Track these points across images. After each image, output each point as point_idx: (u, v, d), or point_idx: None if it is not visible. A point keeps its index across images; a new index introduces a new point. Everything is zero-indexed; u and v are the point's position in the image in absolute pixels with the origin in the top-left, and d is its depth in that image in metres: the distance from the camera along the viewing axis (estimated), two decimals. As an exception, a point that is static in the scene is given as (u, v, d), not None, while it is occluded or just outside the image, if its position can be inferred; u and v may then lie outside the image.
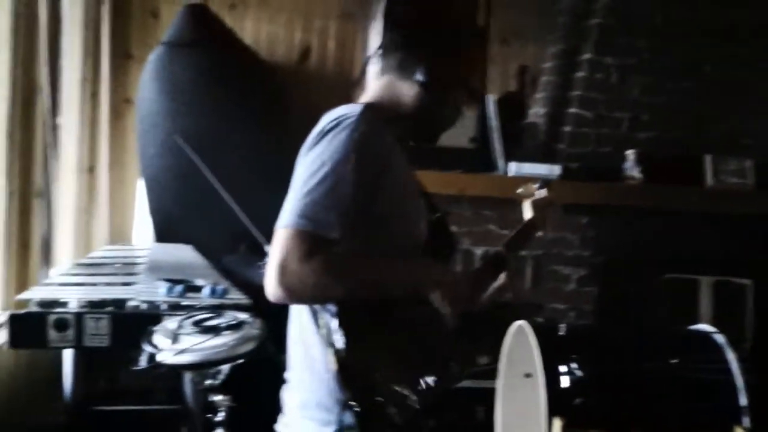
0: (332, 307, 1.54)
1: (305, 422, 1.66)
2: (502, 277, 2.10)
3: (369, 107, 1.67)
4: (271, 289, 1.48)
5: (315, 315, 1.62)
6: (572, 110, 4.06)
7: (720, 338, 2.52)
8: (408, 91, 1.71)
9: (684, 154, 4.02)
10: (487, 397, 2.84)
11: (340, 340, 1.51)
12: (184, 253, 3.59)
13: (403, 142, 1.75)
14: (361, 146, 1.57)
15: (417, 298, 1.59)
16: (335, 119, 1.60)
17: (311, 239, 1.48)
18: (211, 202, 3.80)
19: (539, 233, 2.29)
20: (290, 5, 4.55)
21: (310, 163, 1.57)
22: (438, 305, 1.58)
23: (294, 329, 1.72)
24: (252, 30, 4.52)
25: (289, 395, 1.72)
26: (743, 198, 3.96)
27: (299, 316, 1.68)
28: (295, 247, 1.47)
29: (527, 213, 2.26)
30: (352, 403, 1.50)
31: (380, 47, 1.76)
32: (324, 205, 1.51)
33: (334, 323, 1.52)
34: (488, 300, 2.01)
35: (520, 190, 2.35)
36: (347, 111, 1.62)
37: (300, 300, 1.53)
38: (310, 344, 1.63)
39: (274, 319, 2.62)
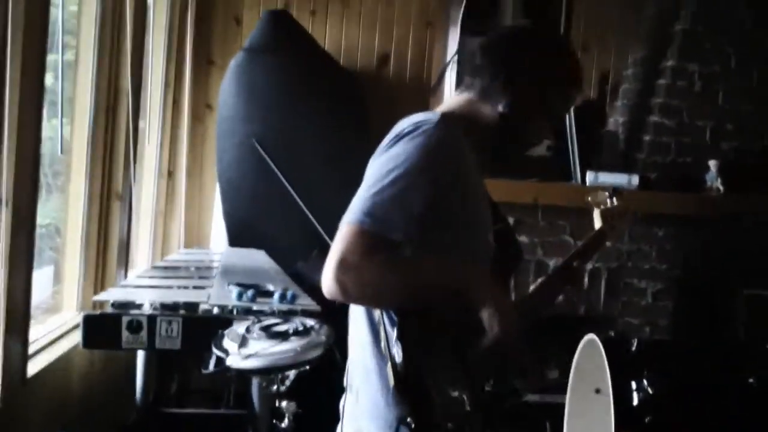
0: (393, 317, 1.53)
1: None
2: (569, 290, 2.06)
3: (448, 116, 1.66)
4: (327, 283, 1.46)
5: (374, 325, 1.61)
6: (653, 118, 3.97)
7: (800, 358, 2.43)
8: (487, 114, 1.70)
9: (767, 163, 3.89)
10: (555, 412, 2.80)
11: (399, 353, 1.49)
12: (256, 258, 3.64)
13: (478, 153, 1.73)
14: (436, 153, 1.56)
15: (470, 310, 1.55)
16: (413, 124, 1.60)
17: (374, 238, 1.47)
18: (285, 208, 3.86)
19: (609, 244, 2.23)
20: (370, 12, 4.57)
21: (384, 164, 1.56)
22: (486, 323, 1.54)
23: (354, 338, 1.71)
24: (332, 36, 4.56)
25: (349, 407, 1.71)
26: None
27: (359, 324, 1.67)
28: (356, 244, 1.45)
29: (597, 222, 2.20)
30: (409, 420, 1.48)
31: (469, 66, 1.74)
32: (391, 207, 1.50)
33: (394, 335, 1.51)
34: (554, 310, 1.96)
35: (589, 198, 2.29)
36: (425, 117, 1.61)
37: (354, 298, 1.52)
38: (369, 355, 1.62)
39: (343, 325, 2.64)
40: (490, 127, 1.69)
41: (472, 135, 1.68)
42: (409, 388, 1.48)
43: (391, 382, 1.48)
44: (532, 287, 2.13)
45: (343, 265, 1.45)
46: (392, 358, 1.49)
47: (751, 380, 2.29)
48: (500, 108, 1.66)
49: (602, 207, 2.21)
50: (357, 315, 1.68)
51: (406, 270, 1.52)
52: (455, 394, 1.53)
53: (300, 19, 4.34)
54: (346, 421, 1.69)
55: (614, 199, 2.22)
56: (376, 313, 1.58)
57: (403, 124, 1.61)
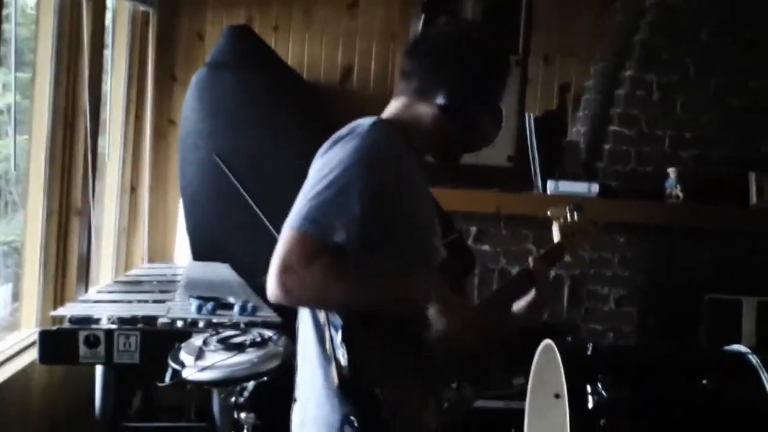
0: (337, 321, 1.54)
1: None
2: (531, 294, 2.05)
3: (385, 120, 1.69)
4: (271, 288, 1.49)
5: (319, 328, 1.62)
6: (613, 128, 4.01)
7: (754, 359, 2.46)
8: (426, 113, 1.70)
9: (728, 172, 3.93)
10: (521, 418, 2.81)
11: (344, 355, 1.50)
12: (220, 271, 3.63)
13: (422, 159, 1.75)
14: (371, 154, 1.57)
15: (418, 314, 1.57)
16: (349, 128, 1.62)
17: (315, 242, 1.49)
18: (248, 221, 3.85)
19: (568, 259, 2.23)
20: (333, 26, 4.59)
21: (320, 168, 1.58)
22: (434, 323, 1.55)
23: (301, 344, 1.71)
24: (294, 51, 4.57)
25: (295, 413, 1.71)
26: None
27: (305, 328, 1.68)
28: (297, 248, 1.48)
29: (556, 236, 2.21)
30: (352, 418, 1.49)
31: (402, 73, 1.76)
32: (330, 210, 1.52)
33: (338, 337, 1.52)
34: (522, 319, 1.94)
35: (550, 212, 2.30)
36: (361, 121, 1.64)
37: (298, 302, 1.54)
38: (315, 358, 1.63)
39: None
40: (432, 127, 1.70)
41: (413, 140, 1.69)
42: (353, 388, 1.49)
43: (335, 382, 1.49)
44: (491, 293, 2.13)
45: (284, 268, 1.47)
46: (336, 360, 1.50)
47: (704, 382, 2.32)
48: (438, 101, 1.67)
49: (562, 221, 2.21)
50: (303, 318, 1.69)
51: (347, 273, 1.53)
52: (404, 393, 1.54)
53: (263, 34, 4.35)
54: (294, 429, 1.69)
55: (575, 214, 2.22)
56: (321, 315, 1.59)
57: (342, 129, 1.64)
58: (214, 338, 2.51)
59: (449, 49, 1.72)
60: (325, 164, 1.57)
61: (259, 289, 3.40)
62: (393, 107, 1.75)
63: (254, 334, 2.56)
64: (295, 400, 1.72)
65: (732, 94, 3.98)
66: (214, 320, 2.78)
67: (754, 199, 3.90)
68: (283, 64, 4.29)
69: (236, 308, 2.86)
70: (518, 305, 1.84)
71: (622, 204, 3.81)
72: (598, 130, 4.15)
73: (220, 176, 3.93)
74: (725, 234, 3.85)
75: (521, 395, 2.89)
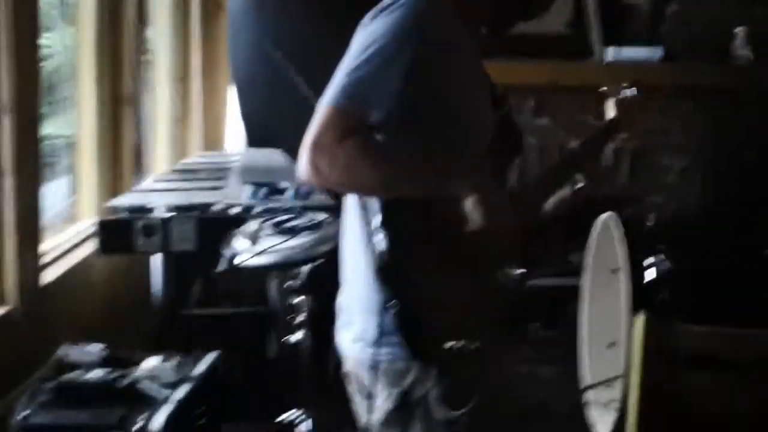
0: (375, 205, 1.48)
1: (353, 326, 1.63)
2: (577, 180, 1.98)
3: None
4: (302, 166, 1.41)
5: (360, 212, 1.57)
6: (678, -12, 3.78)
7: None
8: None
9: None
10: (578, 295, 2.77)
11: (382, 240, 1.46)
12: (273, 158, 3.60)
13: (475, 29, 1.65)
14: (414, 26, 1.47)
15: (456, 203, 1.50)
16: None
17: (349, 118, 1.41)
18: (301, 107, 3.78)
19: (623, 135, 2.13)
20: None
21: (361, 41, 1.48)
22: (469, 212, 1.49)
23: (345, 227, 1.68)
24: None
25: (340, 298, 1.70)
26: None
27: (349, 213, 1.64)
28: (331, 126, 1.40)
29: (610, 112, 2.10)
30: (392, 302, 1.46)
31: None
32: (368, 86, 1.43)
33: (378, 219, 1.47)
34: (558, 207, 1.88)
35: (604, 89, 2.19)
36: None
37: (327, 181, 1.46)
38: (356, 242, 1.59)
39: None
40: None
41: (465, 8, 1.59)
42: (391, 273, 1.45)
43: (375, 265, 1.46)
44: (535, 180, 2.06)
45: (316, 147, 1.39)
46: (375, 244, 1.46)
47: (767, 252, 2.24)
48: None
49: (617, 97, 2.10)
50: (349, 203, 1.64)
51: (380, 157, 1.45)
52: (445, 279, 1.51)
53: None
54: (342, 313, 1.68)
55: (633, 89, 2.11)
56: (364, 198, 1.55)
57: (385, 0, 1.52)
58: (269, 223, 2.51)
59: None
60: (366, 37, 1.47)
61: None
62: None
63: (308, 217, 2.54)
64: (341, 282, 1.70)
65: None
66: (269, 205, 2.78)
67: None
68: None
69: (290, 192, 2.86)
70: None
71: (686, 67, 3.62)
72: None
73: (271, 61, 3.86)
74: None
75: (579, 272, 2.85)
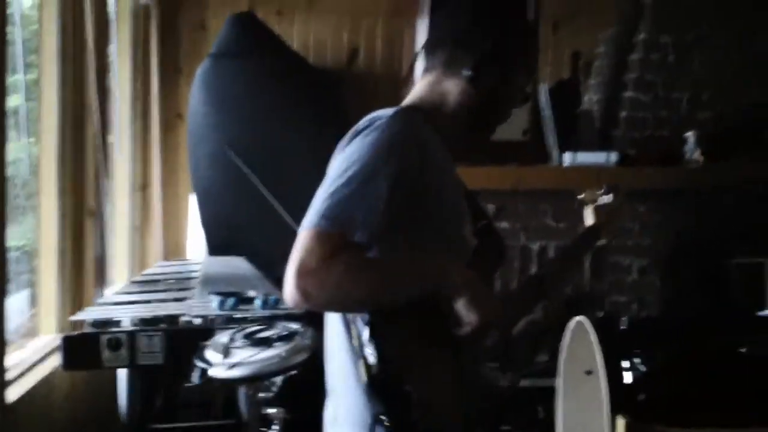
0: (364, 317, 1.48)
1: None
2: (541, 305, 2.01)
3: (406, 108, 1.62)
4: (289, 291, 1.40)
5: (347, 324, 1.56)
6: (628, 94, 3.93)
7: (792, 324, 2.41)
8: (454, 88, 1.64)
9: (747, 128, 3.85)
10: (546, 396, 2.77)
11: (372, 352, 1.44)
12: (236, 265, 3.59)
13: (450, 142, 1.68)
14: (391, 146, 1.50)
15: (446, 306, 1.50)
16: (368, 120, 1.55)
17: (333, 241, 1.41)
18: (264, 213, 3.80)
19: (602, 242, 2.18)
20: (336, 7, 4.52)
21: (339, 164, 1.50)
22: (462, 314, 1.49)
23: (329, 340, 1.66)
24: (300, 35, 4.50)
25: (327, 411, 1.67)
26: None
27: (333, 324, 1.63)
28: (314, 248, 1.39)
29: (588, 219, 2.15)
30: (383, 417, 1.44)
31: (426, 43, 1.69)
32: (349, 206, 1.44)
33: (366, 333, 1.46)
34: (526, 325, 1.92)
35: (582, 196, 2.24)
36: (381, 113, 1.57)
37: (317, 304, 1.46)
38: (345, 356, 1.58)
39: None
40: (460, 102, 1.64)
41: (439, 120, 1.63)
42: (383, 386, 1.43)
43: (364, 379, 1.44)
44: (517, 287, 2.08)
45: (302, 271, 1.39)
46: (365, 357, 1.44)
47: (743, 350, 2.27)
48: (465, 72, 1.62)
49: (596, 203, 2.15)
50: (331, 314, 1.63)
51: (369, 271, 1.45)
52: (436, 388, 1.49)
53: (266, 20, 4.29)
54: (328, 426, 1.65)
55: (609, 196, 2.17)
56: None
57: (361, 121, 1.57)
58: (240, 334, 2.47)
59: (476, 15, 1.65)
60: (344, 160, 1.50)
61: (278, 282, 3.37)
62: (419, 87, 1.68)
63: (280, 327, 2.51)
64: (328, 394, 1.67)
65: (748, 52, 3.89)
66: (237, 315, 2.74)
67: (776, 155, 3.83)
68: (289, 50, 4.23)
69: (258, 302, 2.82)
70: None
71: (641, 171, 3.74)
72: (612, 98, 4.07)
73: (232, 168, 3.88)
74: (747, 194, 3.78)
75: (545, 372, 2.85)
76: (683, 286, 3.80)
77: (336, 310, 1.55)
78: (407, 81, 4.26)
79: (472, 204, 1.74)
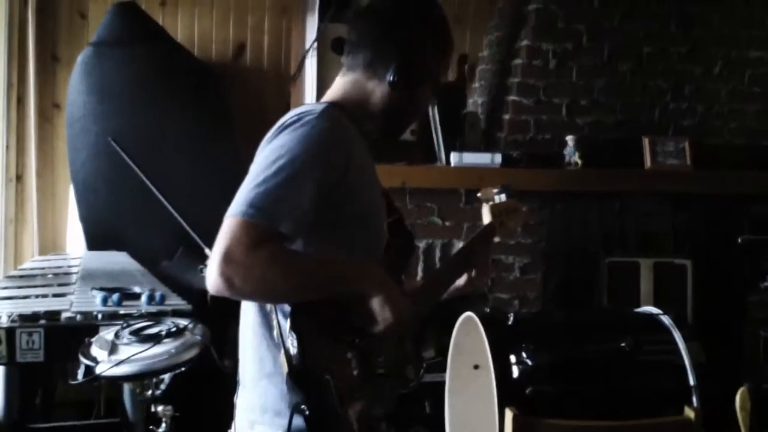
0: (285, 308, 1.49)
1: (256, 428, 1.61)
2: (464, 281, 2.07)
3: (333, 105, 1.65)
4: (212, 279, 1.41)
5: (267, 315, 1.57)
6: (511, 98, 4.05)
7: (666, 320, 2.54)
8: (376, 89, 1.68)
9: (623, 136, 4.04)
10: (434, 391, 2.82)
11: (293, 344, 1.45)
12: (119, 260, 3.49)
13: (368, 137, 1.71)
14: (320, 142, 1.53)
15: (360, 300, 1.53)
16: (297, 114, 1.58)
17: (260, 230, 1.43)
18: (146, 206, 3.72)
19: (497, 239, 2.25)
20: (222, 1, 4.45)
21: (267, 155, 1.52)
22: (376, 311, 1.53)
23: (245, 331, 1.66)
24: (184, 28, 4.41)
25: (241, 400, 1.66)
26: (681, 178, 4.00)
27: (251, 315, 1.62)
28: (242, 237, 1.41)
29: (486, 217, 2.22)
30: (303, 407, 1.45)
31: (348, 45, 1.72)
32: (276, 197, 1.46)
33: (287, 324, 1.47)
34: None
35: (479, 194, 2.31)
36: (310, 107, 1.60)
37: (241, 293, 1.46)
38: (262, 346, 1.58)
39: (218, 323, 2.55)
40: (381, 104, 1.67)
41: (361, 119, 1.67)
42: (303, 376, 1.45)
43: (285, 369, 1.45)
44: (422, 279, 2.13)
45: (228, 259, 1.40)
46: (286, 348, 1.45)
47: (623, 344, 2.38)
48: (389, 77, 1.64)
49: (491, 203, 2.22)
50: (248, 305, 1.63)
51: (293, 264, 1.48)
52: (352, 379, 1.52)
53: (150, 11, 4.19)
54: (239, 415, 1.65)
55: (503, 196, 2.24)
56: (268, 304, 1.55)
57: (288, 115, 1.59)
58: (126, 331, 2.40)
59: (400, 21, 1.68)
60: (272, 151, 1.52)
61: (162, 276, 3.31)
62: (340, 85, 1.71)
63: (168, 323, 2.46)
64: (238, 387, 1.67)
65: (624, 60, 4.08)
66: (121, 312, 2.67)
67: (648, 161, 4.02)
68: (172, 42, 4.14)
69: (143, 298, 2.75)
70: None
71: (523, 173, 3.85)
72: (496, 101, 4.18)
73: (113, 160, 3.78)
74: (621, 197, 3.96)
75: (432, 368, 2.90)
76: (562, 283, 3.95)
77: (257, 299, 1.56)
78: (296, 79, 4.29)
79: (387, 201, 1.77)
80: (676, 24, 4.10)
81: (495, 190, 2.19)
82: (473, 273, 1.98)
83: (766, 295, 3.20)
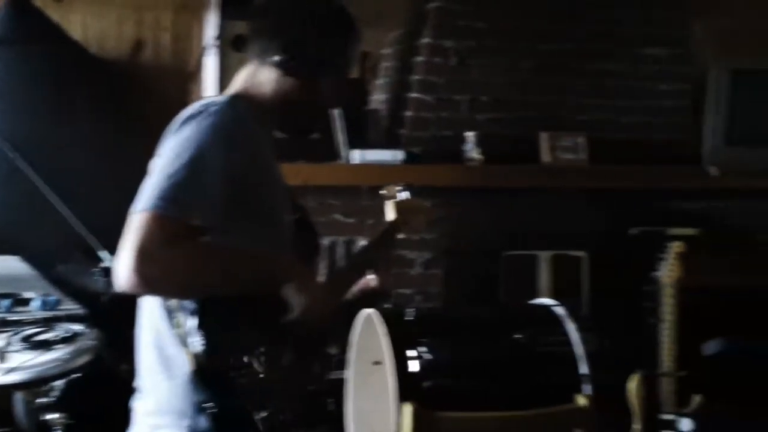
0: (190, 305, 1.46)
1: (158, 430, 1.58)
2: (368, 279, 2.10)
3: (235, 96, 1.65)
4: (126, 276, 1.37)
5: (170, 314, 1.54)
6: (413, 95, 4.09)
7: (560, 310, 2.60)
8: (269, 76, 1.67)
9: (522, 133, 4.12)
10: (337, 388, 2.82)
11: (198, 340, 1.43)
12: (9, 265, 3.37)
13: (272, 129, 1.71)
14: (226, 133, 1.53)
15: (276, 293, 1.53)
16: (201, 106, 1.57)
17: (174, 223, 1.41)
18: (39, 208, 3.61)
19: (402, 236, 2.29)
20: (120, -2, 4.36)
21: (174, 147, 1.51)
22: (293, 302, 1.53)
23: (145, 332, 1.63)
24: (80, 24, 4.30)
25: (141, 403, 1.63)
26: (577, 173, 4.10)
27: (151, 317, 1.59)
28: (156, 231, 1.38)
29: (389, 214, 2.24)
30: (207, 405, 1.44)
31: (247, 39, 1.72)
32: (187, 189, 1.44)
33: (192, 322, 1.45)
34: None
35: (383, 191, 2.34)
36: (214, 99, 1.60)
37: (158, 289, 1.44)
38: (165, 345, 1.56)
39: (114, 327, 2.51)
40: (276, 91, 1.66)
41: (261, 111, 1.66)
42: (209, 375, 1.44)
43: (190, 369, 1.44)
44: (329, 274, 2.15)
45: (143, 254, 1.36)
46: (190, 346, 1.44)
47: (518, 336, 2.42)
48: (275, 58, 1.64)
49: (395, 200, 2.25)
50: (148, 305, 1.60)
51: (209, 256, 1.47)
52: (263, 376, 1.51)
53: (44, 6, 4.07)
54: (139, 419, 1.62)
55: (406, 193, 2.27)
56: (172, 301, 1.52)
57: (192, 107, 1.58)
58: (17, 337, 2.35)
59: (293, 10, 1.68)
60: (178, 143, 1.50)
61: (57, 281, 3.22)
62: (241, 77, 1.71)
63: (61, 329, 2.41)
64: (136, 390, 1.64)
65: (524, 57, 4.16)
66: (13, 318, 2.60)
67: (545, 156, 4.11)
68: (68, 39, 4.05)
69: (36, 303, 2.69)
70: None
71: (425, 169, 3.89)
72: (398, 98, 4.21)
73: (4, 161, 3.66)
74: (520, 192, 4.04)
75: (336, 365, 2.91)
76: (463, 278, 4.00)
77: (174, 295, 1.52)
78: (196, 76, 4.23)
79: (290, 197, 1.78)
80: (573, 22, 4.20)
81: (398, 188, 2.23)
82: (376, 272, 2.02)
83: (656, 284, 3.32)
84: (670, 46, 4.33)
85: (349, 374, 2.79)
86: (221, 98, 1.60)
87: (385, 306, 3.07)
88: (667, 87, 4.33)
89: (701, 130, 4.20)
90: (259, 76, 1.67)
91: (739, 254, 4.12)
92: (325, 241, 3.84)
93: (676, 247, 3.32)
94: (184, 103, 4.23)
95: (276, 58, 1.65)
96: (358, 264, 2.08)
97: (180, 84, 4.33)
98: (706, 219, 4.07)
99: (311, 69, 1.67)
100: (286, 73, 1.66)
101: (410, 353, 2.40)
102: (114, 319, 2.32)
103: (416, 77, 4.09)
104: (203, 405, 1.44)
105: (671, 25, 4.32)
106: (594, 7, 4.22)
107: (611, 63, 4.27)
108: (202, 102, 1.59)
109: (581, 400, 2.33)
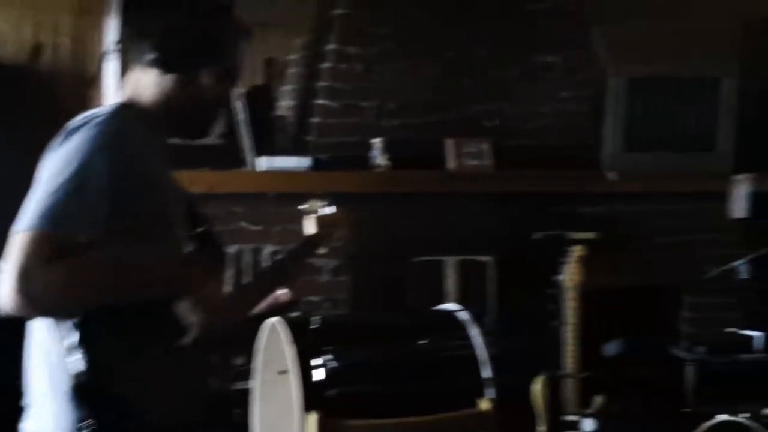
0: (73, 321, 1.43)
1: None
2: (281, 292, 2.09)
3: (121, 106, 1.61)
4: (8, 297, 1.34)
5: (52, 330, 1.50)
6: (319, 101, 4.08)
7: (464, 315, 2.64)
8: (149, 79, 1.62)
9: (428, 139, 4.16)
10: (243, 399, 2.79)
11: (79, 358, 1.40)
12: None
13: (165, 141, 1.67)
14: (110, 144, 1.48)
15: (169, 306, 1.50)
16: (84, 117, 1.53)
17: (56, 242, 1.37)
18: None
19: (322, 250, 2.29)
20: (17, 0, 4.22)
21: (55, 162, 1.47)
22: (184, 314, 1.50)
23: (32, 350, 1.57)
24: (-27, 27, 4.14)
25: (29, 424, 1.58)
26: (482, 178, 4.16)
27: (37, 334, 1.54)
28: (37, 251, 1.35)
29: (309, 229, 2.24)
30: (89, 421, 1.40)
31: (118, 41, 1.68)
32: (69, 206, 1.41)
33: (73, 339, 1.42)
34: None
35: (304, 207, 2.34)
36: (98, 110, 1.55)
37: (44, 309, 1.40)
38: (49, 363, 1.51)
39: (2, 346, 2.41)
40: (157, 93, 1.62)
41: (149, 118, 1.62)
42: (91, 391, 1.40)
43: (70, 385, 1.40)
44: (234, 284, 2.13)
45: (26, 275, 1.33)
46: (72, 362, 1.40)
47: (423, 342, 2.45)
48: (148, 56, 1.60)
49: (318, 215, 2.26)
50: (37, 323, 1.55)
51: (95, 272, 1.43)
52: (152, 390, 1.48)
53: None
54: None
55: (332, 208, 2.28)
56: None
57: (76, 119, 1.53)
58: None
59: (164, 8, 1.65)
60: (60, 157, 1.46)
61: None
62: (126, 86, 1.66)
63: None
64: (25, 408, 1.59)
65: (429, 64, 4.20)
66: None
67: (450, 162, 4.16)
68: (-41, 42, 3.89)
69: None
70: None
71: (332, 175, 3.89)
72: (305, 104, 4.20)
73: None
74: (426, 198, 4.08)
75: (242, 375, 2.88)
76: (371, 284, 4.01)
77: (60, 314, 1.47)
78: (95, 82, 4.13)
79: (190, 208, 1.73)
80: (477, 29, 4.26)
81: (321, 203, 2.24)
82: (289, 286, 2.01)
83: (558, 287, 3.40)
84: (571, 53, 4.43)
85: (255, 384, 2.77)
86: (106, 108, 1.56)
87: (291, 315, 3.07)
88: (568, 93, 4.43)
89: (601, 135, 4.32)
90: (142, 80, 1.63)
91: (638, 256, 4.25)
92: (231, 250, 3.79)
93: (577, 250, 3.41)
94: (83, 108, 4.14)
95: (150, 56, 1.61)
96: (272, 277, 2.07)
97: (79, 89, 4.21)
98: (606, 222, 4.18)
99: (186, 60, 1.62)
100: (164, 71, 1.61)
101: (315, 362, 2.40)
102: (2, 338, 2.24)
103: (322, 83, 4.09)
104: (82, 423, 1.41)
105: (572, 33, 4.43)
106: (497, 15, 4.29)
107: (514, 69, 4.35)
108: (86, 113, 1.54)
109: (484, 404, 2.37)
